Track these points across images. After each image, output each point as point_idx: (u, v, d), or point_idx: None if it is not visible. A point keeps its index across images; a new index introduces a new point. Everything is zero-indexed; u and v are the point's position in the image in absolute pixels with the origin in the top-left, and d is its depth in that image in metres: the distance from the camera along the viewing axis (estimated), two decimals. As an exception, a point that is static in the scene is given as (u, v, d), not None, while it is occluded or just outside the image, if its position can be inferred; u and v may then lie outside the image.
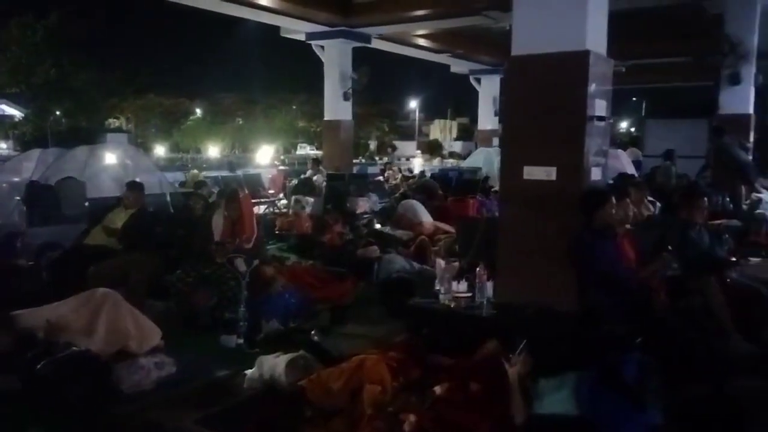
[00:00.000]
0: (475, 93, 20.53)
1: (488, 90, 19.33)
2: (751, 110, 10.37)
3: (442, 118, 57.56)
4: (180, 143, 45.04)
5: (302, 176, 13.07)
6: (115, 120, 39.10)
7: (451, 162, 25.87)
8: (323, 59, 14.45)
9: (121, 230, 5.82)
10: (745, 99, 10.25)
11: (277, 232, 8.88)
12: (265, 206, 11.37)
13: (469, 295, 4.51)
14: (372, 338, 4.89)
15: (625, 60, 16.57)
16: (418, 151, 21.25)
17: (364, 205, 10.14)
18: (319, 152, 24.23)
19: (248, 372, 3.92)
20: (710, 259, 4.68)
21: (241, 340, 4.68)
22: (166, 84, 42.99)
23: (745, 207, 8.81)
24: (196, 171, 13.29)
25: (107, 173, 8.56)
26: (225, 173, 13.79)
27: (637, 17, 12.26)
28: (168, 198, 7.93)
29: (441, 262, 5.05)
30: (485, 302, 4.40)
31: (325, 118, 14.69)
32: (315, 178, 12.34)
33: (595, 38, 4.18)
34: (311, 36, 14.22)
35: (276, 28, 14.32)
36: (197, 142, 44.92)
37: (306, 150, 40.74)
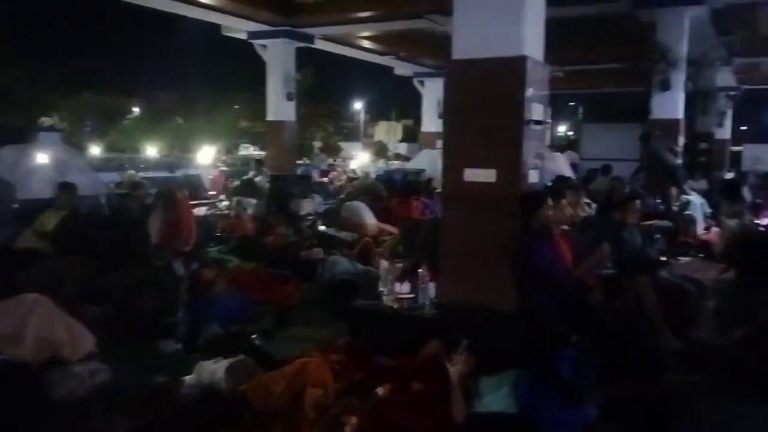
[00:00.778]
0: (420, 95, 20.73)
1: (432, 92, 19.53)
2: (680, 115, 10.80)
3: (387, 120, 57.78)
4: (117, 143, 43.60)
5: (244, 177, 12.87)
6: (48, 118, 37.52)
7: (396, 164, 26.00)
8: (266, 59, 14.28)
9: (53, 233, 5.60)
10: (675, 105, 10.66)
11: (218, 234, 8.71)
12: (206, 208, 11.14)
13: (412, 296, 4.54)
14: (315, 341, 4.87)
15: (562, 66, 17.11)
16: (355, 153, 21.17)
17: (308, 206, 10.08)
18: (262, 153, 23.90)
19: (187, 378, 3.84)
20: (642, 258, 4.87)
21: (179, 345, 4.58)
22: (102, 82, 41.54)
23: (675, 208, 9.20)
24: (133, 171, 12.89)
25: (39, 174, 8.20)
26: (164, 174, 13.46)
27: (574, 24, 12.64)
28: (103, 199, 7.66)
29: (385, 264, 5.07)
30: (428, 303, 4.44)
31: (268, 119, 14.52)
32: (257, 179, 12.18)
33: (532, 44, 4.28)
34: (253, 35, 14.02)
35: (217, 26, 14.07)
36: (135, 142, 43.61)
37: (249, 150, 40.12)
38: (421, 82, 20.22)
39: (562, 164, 14.61)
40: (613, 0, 10.68)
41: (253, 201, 9.41)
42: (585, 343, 3.68)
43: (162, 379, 3.93)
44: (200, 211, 10.72)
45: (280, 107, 14.08)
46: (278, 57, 14.00)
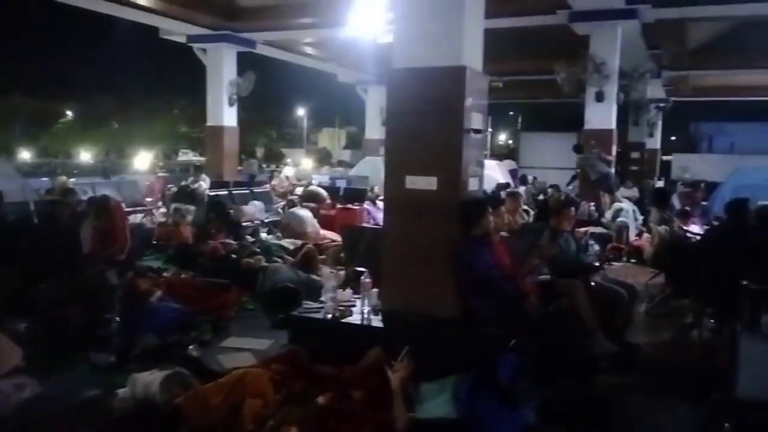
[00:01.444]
0: (363, 102, 20.80)
1: (375, 100, 19.64)
2: (613, 126, 11.23)
3: (331, 127, 57.67)
4: (49, 147, 41.88)
5: (183, 184, 12.58)
6: (-27, 122, 35.78)
7: (339, 171, 25.97)
8: (206, 63, 14.06)
9: (-24, 242, 5.31)
10: (608, 115, 11.08)
11: (154, 242, 8.47)
12: (143, 215, 10.83)
13: (354, 303, 4.53)
14: (255, 351, 4.80)
15: (502, 76, 17.52)
16: (289, 160, 20.89)
17: (249, 213, 9.93)
18: (202, 159, 23.43)
19: (120, 391, 3.70)
20: (576, 264, 5.01)
21: (113, 358, 4.41)
22: (35, 84, 39.78)
23: (608, 215, 9.53)
24: (64, 177, 12.38)
25: (-40, 180, 7.78)
26: (98, 180, 12.99)
27: (513, 36, 12.97)
28: (32, 207, 7.33)
29: (327, 271, 5.04)
30: (370, 310, 4.43)
31: (208, 124, 14.28)
32: (197, 185, 11.92)
33: (472, 54, 4.35)
34: (192, 39, 13.78)
35: (155, 29, 13.75)
36: (68, 146, 42.00)
37: (189, 156, 39.22)
38: (365, 90, 20.31)
39: (502, 172, 14.94)
40: (550, 13, 11.00)
41: (192, 208, 9.18)
42: (523, 347, 3.75)
43: (94, 393, 3.77)
44: (136, 218, 10.42)
45: (220, 112, 13.88)
46: (219, 61, 13.81)
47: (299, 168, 26.78)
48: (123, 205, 8.92)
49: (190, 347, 4.51)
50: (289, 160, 20.86)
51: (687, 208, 9.42)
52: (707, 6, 11.12)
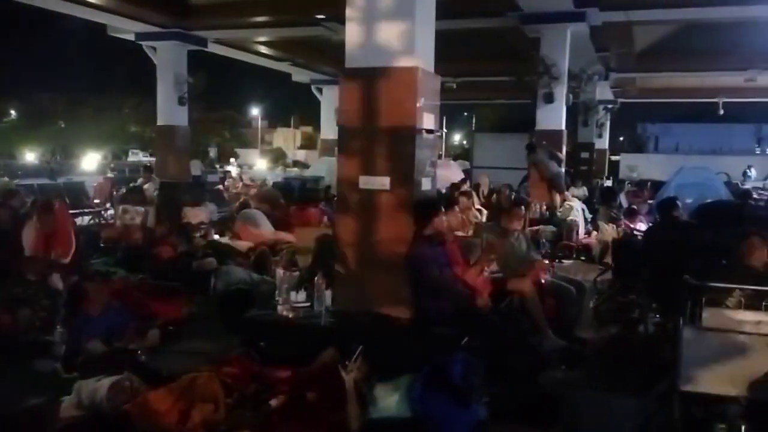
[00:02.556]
0: (318, 102, 20.70)
1: (330, 100, 19.57)
2: (563, 126, 11.47)
3: (286, 127, 57.22)
4: (-9, 148, 40.30)
5: (132, 185, 12.28)
6: None
7: (295, 171, 25.79)
8: (156, 61, 13.76)
9: None
10: (558, 116, 11.32)
11: (102, 245, 8.23)
12: (90, 217, 10.52)
13: (308, 304, 4.51)
14: (207, 354, 4.71)
15: (455, 77, 17.71)
16: (233, 160, 20.56)
17: (201, 214, 9.75)
18: (153, 159, 22.92)
19: (66, 399, 3.59)
20: (526, 262, 5.10)
21: (57, 364, 4.27)
22: (-26, 82, 38.23)
23: (558, 214, 9.73)
24: (6, 179, 11.96)
25: None
26: (43, 181, 12.57)
27: (466, 38, 13.12)
28: (-29, 209, 7.02)
29: (281, 272, 5.00)
30: (324, 311, 4.42)
31: (158, 124, 13.98)
32: (146, 186, 11.65)
33: (424, 55, 4.40)
34: (141, 36, 13.48)
35: (103, 26, 13.39)
36: (11, 147, 40.46)
37: (139, 157, 38.30)
38: (320, 89, 20.22)
39: (455, 172, 15.09)
40: (501, 15, 11.16)
41: (141, 209, 8.96)
42: (474, 345, 3.79)
43: (37, 401, 3.64)
44: (83, 220, 10.12)
45: (171, 111, 13.62)
46: (169, 60, 13.55)
47: (253, 168, 26.48)
48: (68, 206, 8.65)
49: (139, 352, 4.40)
50: (233, 160, 20.43)
51: (634, 206, 9.71)
52: (652, 10, 11.48)
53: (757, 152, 33.50)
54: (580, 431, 3.77)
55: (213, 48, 14.82)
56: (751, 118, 35.34)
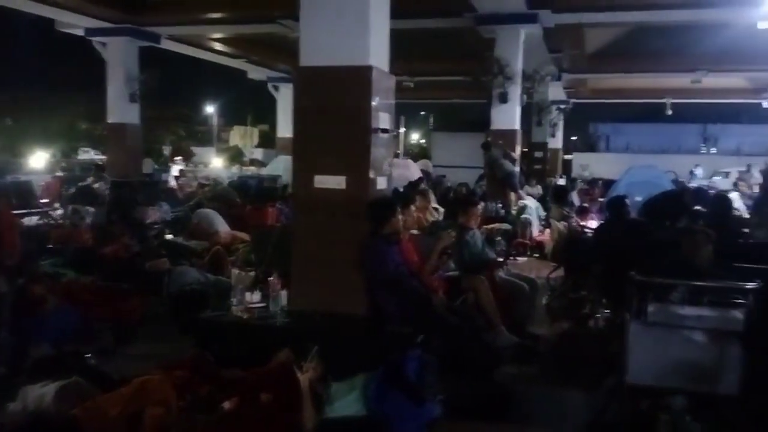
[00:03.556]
0: (275, 100, 20.52)
1: (287, 98, 19.40)
2: (517, 126, 11.67)
3: (242, 125, 56.46)
4: (-69, 146, 38.56)
5: (81, 184, 11.95)
6: None
7: (252, 169, 25.46)
8: (106, 57, 13.42)
9: None
10: (513, 116, 11.50)
11: (51, 246, 7.99)
12: (38, 217, 10.18)
13: (263, 305, 4.47)
14: (160, 357, 4.63)
15: (413, 76, 17.80)
16: (179, 158, 20.07)
17: (154, 214, 9.55)
18: (104, 157, 22.32)
19: (11, 405, 3.47)
20: (481, 260, 5.18)
21: (2, 369, 4.13)
22: None
23: (513, 212, 9.90)
24: (-54, 178, 11.48)
25: None
26: (-12, 180, 12.10)
27: (422, 38, 13.21)
28: None
29: (236, 273, 4.94)
30: (279, 311, 4.39)
31: (109, 121, 13.64)
32: (97, 185, 11.36)
33: (378, 54, 4.40)
34: (91, 32, 13.13)
35: (51, 21, 12.99)
36: (-47, 145, 38.84)
37: (90, 155, 37.21)
38: (276, 87, 20.05)
39: (414, 171, 15.16)
40: (457, 15, 11.27)
41: (92, 209, 8.73)
42: (429, 343, 3.83)
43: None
44: (31, 220, 9.78)
45: (122, 109, 13.31)
46: (120, 56, 13.25)
47: (209, 167, 26.03)
48: (15, 206, 8.36)
49: (88, 355, 4.30)
50: (178, 158, 19.93)
51: (585, 204, 9.94)
52: (603, 12, 11.77)
53: (703, 152, 34.67)
54: (533, 426, 3.85)
55: (166, 44, 14.53)
56: (697, 118, 36.54)
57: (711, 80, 17.99)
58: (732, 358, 3.43)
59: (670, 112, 21.86)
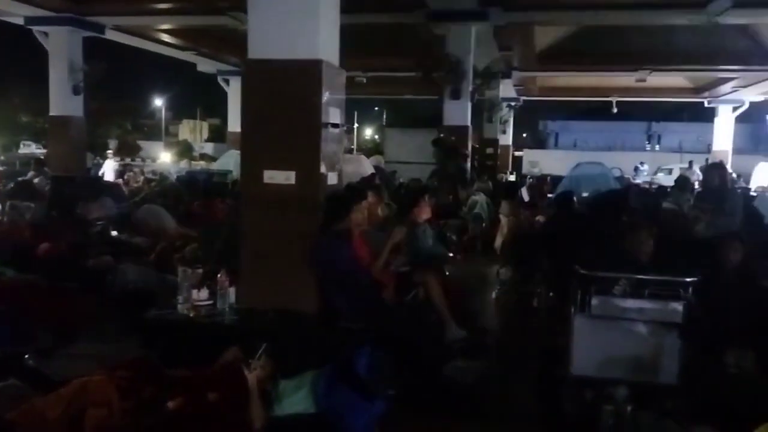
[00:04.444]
0: (226, 93, 20.18)
1: (237, 91, 18.86)
2: (468, 122, 11.79)
3: (192, 119, 55.33)
4: None
5: (20, 179, 11.49)
6: None
7: (201, 164, 24.99)
8: (48, 48, 12.93)
9: None
10: (464, 113, 11.61)
11: (-14, 244, 7.66)
12: (-28, 214, 9.74)
13: (211, 302, 4.38)
14: (103, 357, 4.49)
15: (366, 72, 17.77)
16: (109, 152, 19.26)
17: (98, 210, 9.26)
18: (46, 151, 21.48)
19: (-59, 411, 3.30)
20: (431, 255, 5.21)
21: (-67, 374, 3.93)
22: None
23: (464, 208, 10.00)
24: None
25: None
26: None
27: (375, 33, 13.20)
28: None
29: (183, 270, 4.83)
30: (227, 309, 4.32)
31: (51, 114, 13.16)
32: (37, 180, 10.94)
33: (328, 49, 4.37)
34: (32, 21, 12.63)
35: (-13, 8, 12.44)
36: None
37: (31, 149, 35.84)
38: (226, 80, 19.73)
39: (366, 166, 15.15)
40: (408, 11, 11.30)
41: (32, 205, 8.41)
42: (379, 338, 3.83)
43: None
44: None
45: (64, 101, 12.86)
46: (62, 46, 12.79)
47: (158, 161, 25.44)
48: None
49: (26, 357, 4.13)
50: (109, 152, 19.19)
51: (534, 200, 10.12)
52: (551, 12, 12.00)
53: (648, 149, 35.83)
54: (482, 419, 3.90)
55: (111, 35, 14.11)
56: (642, 116, 37.78)
57: (655, 79, 18.59)
58: (671, 349, 3.55)
59: (615, 110, 22.52)
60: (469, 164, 11.35)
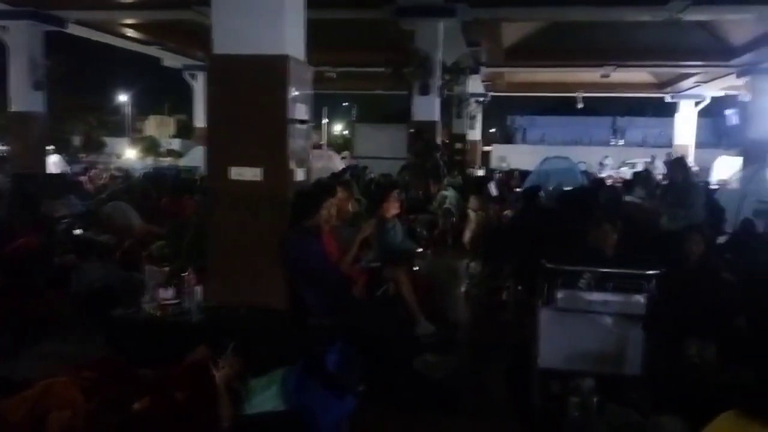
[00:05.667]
0: (192, 89, 19.91)
1: (204, 86, 18.81)
2: (437, 117, 11.83)
3: (159, 114, 54.40)
4: None
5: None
6: None
7: (168, 160, 24.62)
8: (7, 42, 12.58)
9: None
10: (433, 108, 11.64)
11: (-54, 243, 7.43)
12: (-69, 213, 9.45)
13: (177, 301, 4.33)
14: (67, 357, 4.41)
15: (335, 67, 17.70)
16: (51, 147, 18.63)
17: (63, 208, 9.08)
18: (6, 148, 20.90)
19: None
20: (401, 250, 5.22)
21: None
22: None
23: (434, 203, 10.05)
24: None
25: None
26: None
27: (344, 28, 13.15)
28: None
29: (149, 268, 4.77)
30: (194, 307, 4.27)
31: (11, 110, 12.82)
32: (-3, 178, 10.68)
33: (294, 44, 4.33)
34: (-10, 14, 12.27)
35: (-57, 2, 12.04)
36: None
37: (-8, 146, 34.91)
38: (193, 75, 19.47)
39: (337, 162, 15.14)
40: (376, 7, 11.28)
41: (-9, 203, 8.21)
42: (350, 334, 3.83)
43: None
44: None
45: (25, 97, 12.53)
46: (22, 41, 12.48)
47: (123, 158, 24.99)
48: None
49: (-13, 359, 4.04)
50: (51, 147, 18.74)
51: (503, 194, 10.21)
52: (518, 8, 12.10)
53: (612, 143, 36.42)
54: (451, 413, 3.94)
55: (74, 29, 13.78)
56: (607, 111, 38.39)
57: (619, 75, 18.92)
58: (635, 341, 3.62)
59: (581, 106, 22.82)
60: (438, 159, 11.38)
